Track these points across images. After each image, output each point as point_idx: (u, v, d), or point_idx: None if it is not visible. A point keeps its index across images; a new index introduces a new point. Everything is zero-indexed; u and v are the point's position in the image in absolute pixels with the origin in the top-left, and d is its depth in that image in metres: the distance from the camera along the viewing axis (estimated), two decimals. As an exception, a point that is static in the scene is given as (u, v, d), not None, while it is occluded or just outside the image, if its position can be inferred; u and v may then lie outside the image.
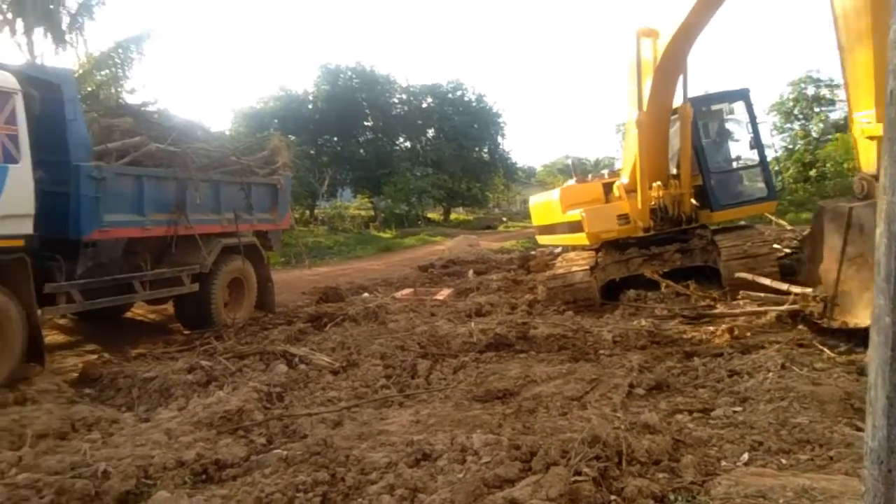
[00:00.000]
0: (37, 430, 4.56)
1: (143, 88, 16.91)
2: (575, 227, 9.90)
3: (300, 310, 9.94)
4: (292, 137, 27.01)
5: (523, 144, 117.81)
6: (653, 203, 9.33)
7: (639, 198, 9.22)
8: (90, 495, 3.53)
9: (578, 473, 3.37)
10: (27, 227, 5.98)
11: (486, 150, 41.32)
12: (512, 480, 3.37)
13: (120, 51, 15.59)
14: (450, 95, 39.35)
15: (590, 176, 11.73)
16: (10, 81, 5.87)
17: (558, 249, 12.73)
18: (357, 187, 37.09)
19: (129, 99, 14.02)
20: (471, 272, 14.06)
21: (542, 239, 12.43)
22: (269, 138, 10.46)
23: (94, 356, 7.46)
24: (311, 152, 31.86)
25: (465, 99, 39.76)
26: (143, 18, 59.57)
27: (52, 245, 6.41)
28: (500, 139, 41.74)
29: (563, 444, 3.73)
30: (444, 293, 11.17)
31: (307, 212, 30.44)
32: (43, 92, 6.17)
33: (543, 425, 4.33)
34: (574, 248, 10.69)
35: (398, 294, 11.16)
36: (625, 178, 9.84)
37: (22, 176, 5.88)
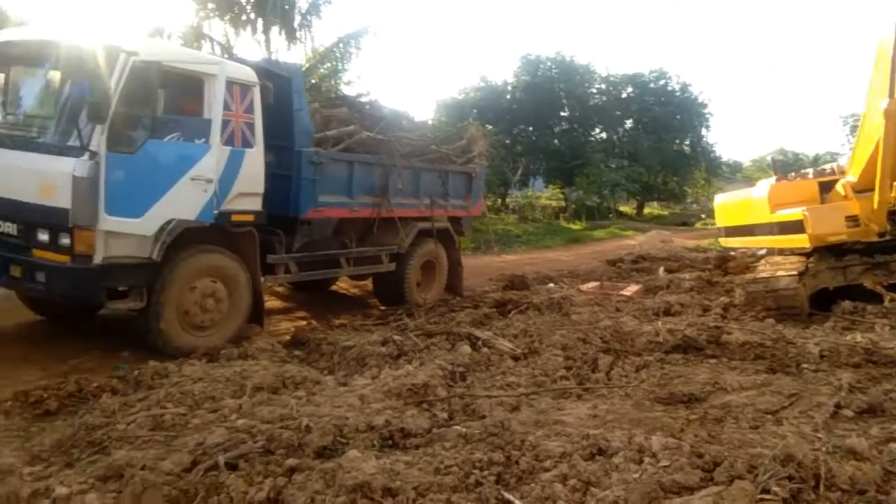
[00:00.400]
0: (254, 382, 5.08)
1: (358, 80, 18.29)
2: (788, 227, 9.05)
3: (486, 295, 10.21)
4: (489, 127, 27.63)
5: (731, 137, 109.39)
6: (891, 205, 8.26)
7: (875, 198, 8.18)
8: (294, 445, 3.90)
9: (766, 491, 3.15)
10: (257, 205, 6.79)
11: (687, 142, 39.08)
12: (691, 488, 3.23)
13: (340, 46, 16.98)
14: (652, 85, 37.67)
15: (791, 174, 10.67)
16: (251, 76, 6.66)
17: (761, 251, 11.76)
18: (549, 177, 37.00)
19: (346, 90, 15.23)
20: (661, 269, 13.50)
21: (731, 241, 11.47)
22: (466, 128, 10.82)
23: (303, 323, 8.29)
24: (507, 142, 32.31)
25: (669, 89, 37.84)
26: (362, 15, 64.12)
27: (275, 221, 7.17)
28: (703, 131, 39.28)
29: (751, 458, 3.50)
30: (631, 289, 10.85)
31: (499, 200, 30.98)
32: (275, 84, 6.95)
33: (731, 436, 4.09)
34: (780, 251, 9.82)
35: (584, 287, 11.03)
36: (851, 176, 8.82)
37: (256, 159, 6.67)
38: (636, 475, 3.43)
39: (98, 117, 5.19)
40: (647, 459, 3.64)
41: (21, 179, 5.54)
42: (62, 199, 5.30)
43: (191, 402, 4.64)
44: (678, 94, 37.85)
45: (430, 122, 17.70)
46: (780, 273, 8.69)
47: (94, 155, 5.28)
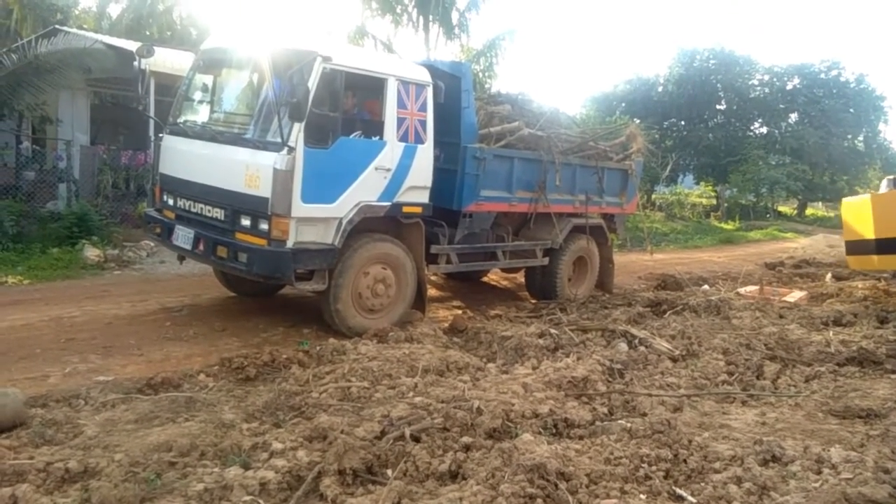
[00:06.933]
0: (423, 364, 5.42)
1: (510, 76, 18.63)
2: None
3: (637, 293, 10.10)
4: (636, 121, 26.84)
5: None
6: None
7: None
8: (467, 425, 4.17)
9: (965, 514, 3.02)
10: (424, 198, 7.18)
11: (860, 138, 35.64)
12: (879, 503, 3.16)
13: (495, 42, 17.28)
14: (822, 76, 34.60)
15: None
16: (426, 76, 7.06)
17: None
18: (700, 174, 35.28)
19: (496, 87, 15.47)
20: (829, 276, 12.61)
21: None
22: (626, 124, 10.68)
23: (459, 311, 8.63)
24: (656, 136, 31.18)
25: (842, 80, 34.65)
26: (515, 9, 63.80)
27: (438, 213, 7.53)
28: (881, 126, 35.66)
29: (946, 480, 3.35)
30: (795, 295, 10.28)
31: (645, 196, 30.03)
32: (446, 83, 7.30)
33: (919, 456, 3.90)
34: None
35: (742, 290, 10.58)
36: None
37: (426, 154, 7.06)
38: (816, 484, 3.39)
39: (297, 116, 5.76)
40: (826, 470, 3.58)
41: (228, 171, 6.29)
42: (264, 188, 5.96)
43: (371, 378, 5.06)
44: (852, 85, 34.58)
45: (576, 117, 17.59)
46: (975, 286, 7.90)
47: (291, 150, 5.88)
